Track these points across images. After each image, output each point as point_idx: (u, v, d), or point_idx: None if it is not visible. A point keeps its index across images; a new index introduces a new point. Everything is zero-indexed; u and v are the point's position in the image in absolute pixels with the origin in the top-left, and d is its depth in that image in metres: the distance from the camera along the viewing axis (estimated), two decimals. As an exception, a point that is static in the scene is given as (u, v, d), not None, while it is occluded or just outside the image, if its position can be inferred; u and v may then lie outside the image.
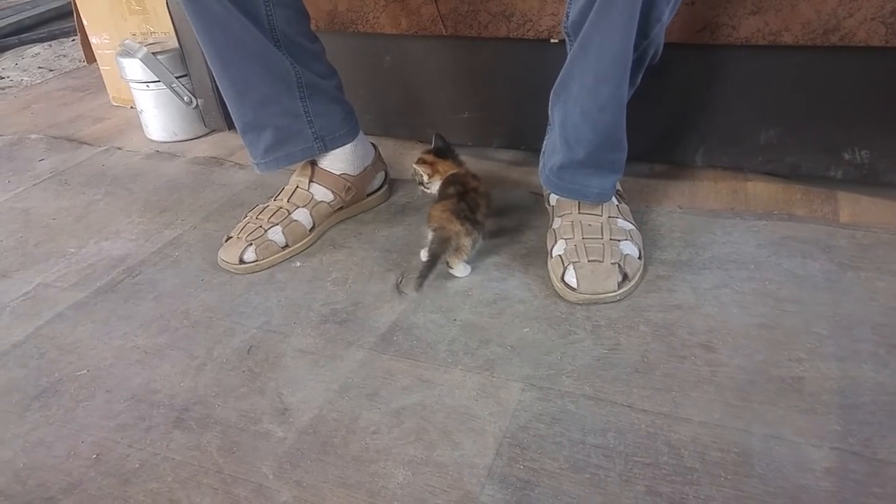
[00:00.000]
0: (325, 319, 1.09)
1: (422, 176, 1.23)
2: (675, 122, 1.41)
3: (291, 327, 1.08)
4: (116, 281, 1.23)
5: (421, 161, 1.23)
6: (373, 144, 1.41)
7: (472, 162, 1.55)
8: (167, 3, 1.67)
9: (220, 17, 1.12)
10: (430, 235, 1.13)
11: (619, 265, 1.09)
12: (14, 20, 3.15)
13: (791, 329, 0.99)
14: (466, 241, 1.11)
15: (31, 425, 0.94)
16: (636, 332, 1.01)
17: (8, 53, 2.90)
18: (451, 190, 1.15)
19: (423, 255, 1.15)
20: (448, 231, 1.09)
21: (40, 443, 0.91)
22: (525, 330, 1.03)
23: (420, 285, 1.08)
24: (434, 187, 1.23)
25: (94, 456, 0.88)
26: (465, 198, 1.13)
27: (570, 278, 1.08)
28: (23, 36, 3.04)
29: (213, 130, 1.85)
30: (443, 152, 1.24)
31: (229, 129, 1.81)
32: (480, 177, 1.22)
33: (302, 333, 1.07)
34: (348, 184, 1.33)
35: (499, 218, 1.32)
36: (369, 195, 1.40)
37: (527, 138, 1.54)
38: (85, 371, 1.02)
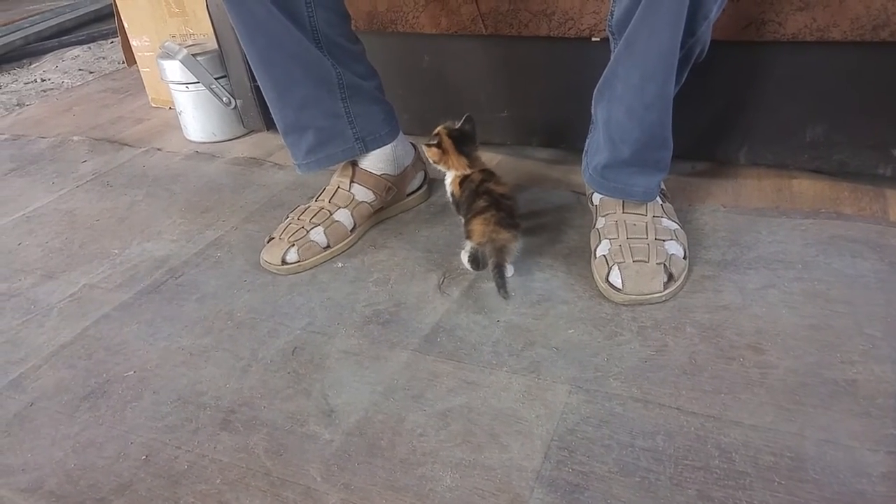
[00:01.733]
0: (368, 320, 1.09)
1: (428, 160, 1.23)
2: (718, 120, 1.39)
3: (335, 328, 1.08)
4: (160, 282, 1.24)
5: (438, 142, 1.20)
6: (412, 144, 1.41)
7: (511, 161, 1.55)
8: (207, 6, 1.68)
9: (263, 20, 1.12)
10: (468, 246, 1.12)
11: (665, 265, 1.07)
12: (54, 23, 3.20)
13: (842, 330, 0.97)
14: (515, 245, 1.11)
15: (80, 426, 0.95)
16: (683, 334, 1.00)
17: (48, 56, 2.95)
18: (482, 203, 1.13)
19: (464, 258, 1.15)
20: (500, 241, 1.09)
21: (90, 443, 0.92)
22: (570, 331, 1.02)
23: (507, 293, 1.07)
24: (439, 169, 1.23)
25: (144, 457, 0.89)
26: (499, 206, 1.12)
27: (616, 279, 1.07)
28: (63, 39, 3.09)
29: (252, 131, 1.86)
30: (463, 139, 1.21)
31: (268, 129, 1.82)
32: (494, 171, 1.21)
33: (346, 334, 1.06)
34: (389, 184, 1.33)
35: (540, 217, 1.32)
36: (409, 195, 1.41)
37: (567, 137, 1.53)
38: (132, 372, 1.03)
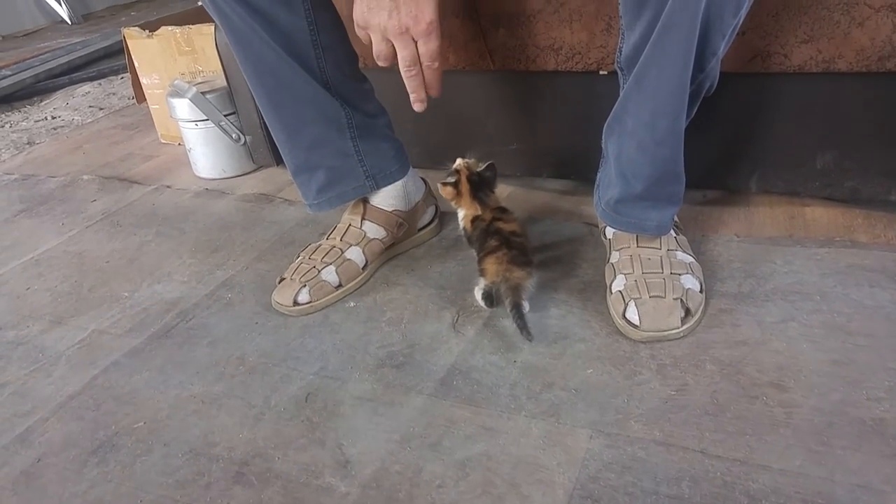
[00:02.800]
0: (381, 363, 1.07)
1: (444, 196, 1.21)
2: (728, 149, 1.38)
3: (348, 372, 1.06)
4: (170, 326, 1.23)
5: (455, 182, 1.19)
6: (423, 179, 1.40)
7: (522, 193, 1.54)
8: (216, 44, 1.68)
9: (271, 62, 1.12)
10: (481, 283, 1.12)
11: (682, 300, 1.06)
12: (64, 60, 3.22)
13: (866, 365, 0.95)
14: (529, 283, 1.09)
15: (89, 483, 0.92)
16: (703, 371, 0.98)
17: (59, 93, 2.96)
18: (493, 242, 1.12)
19: (478, 295, 1.14)
20: (514, 280, 1.07)
21: (99, 502, 0.89)
22: (588, 371, 1.00)
23: (529, 333, 1.04)
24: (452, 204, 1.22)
25: (154, 515, 0.87)
26: (510, 244, 1.11)
27: (632, 315, 1.05)
28: (73, 75, 3.11)
29: (261, 166, 1.86)
30: (481, 184, 1.19)
31: (277, 164, 1.82)
32: (506, 208, 1.20)
33: (359, 379, 1.05)
34: (400, 220, 1.32)
35: (553, 250, 1.30)
36: (420, 230, 1.39)
37: (577, 168, 1.52)
38: (142, 423, 1.01)
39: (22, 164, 2.14)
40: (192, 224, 1.60)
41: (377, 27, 1.01)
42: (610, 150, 1.13)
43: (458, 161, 1.21)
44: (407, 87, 1.07)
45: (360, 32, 1.05)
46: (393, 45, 1.03)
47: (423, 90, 1.07)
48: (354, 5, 1.02)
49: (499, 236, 1.12)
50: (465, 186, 1.19)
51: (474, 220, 1.18)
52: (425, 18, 0.99)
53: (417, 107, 1.09)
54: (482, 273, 1.11)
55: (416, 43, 1.02)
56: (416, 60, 1.03)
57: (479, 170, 1.20)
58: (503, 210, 1.19)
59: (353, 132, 1.22)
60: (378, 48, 1.04)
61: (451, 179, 1.19)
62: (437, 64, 1.04)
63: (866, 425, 0.86)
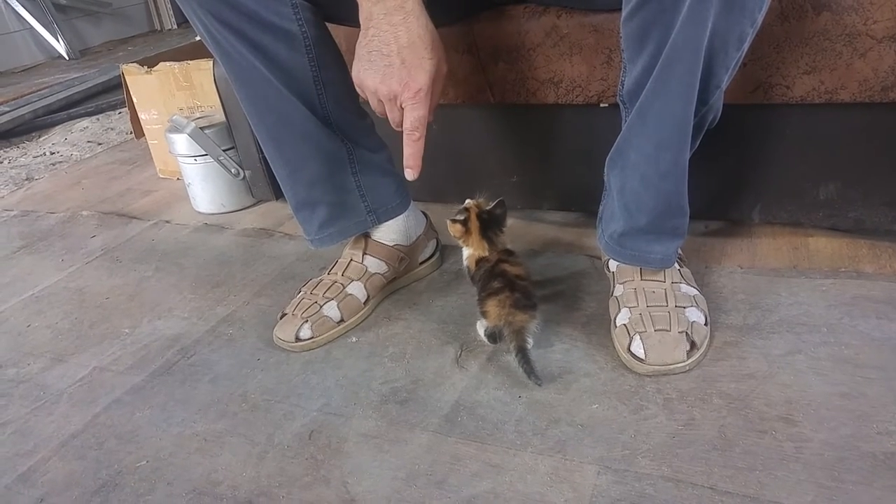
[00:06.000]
0: (385, 399, 1.06)
1: (452, 234, 1.19)
2: (731, 179, 1.38)
3: (352, 409, 1.05)
4: (172, 362, 1.22)
5: (464, 220, 1.17)
6: (423, 213, 1.40)
7: (522, 225, 1.53)
8: (214, 79, 1.69)
9: (273, 100, 1.12)
10: (484, 324, 1.11)
11: (687, 333, 1.05)
12: (63, 96, 3.23)
13: (876, 398, 0.94)
14: (533, 325, 1.07)
15: (91, 525, 0.91)
16: (710, 405, 0.97)
17: (57, 128, 2.97)
18: (496, 283, 1.10)
19: (481, 331, 1.13)
20: (517, 324, 1.06)
21: (102, 545, 0.88)
22: (594, 406, 0.99)
23: (538, 378, 1.03)
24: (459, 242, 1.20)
25: (158, 559, 0.85)
26: (514, 287, 1.09)
27: (638, 349, 1.04)
28: (72, 111, 3.12)
29: (261, 200, 1.86)
30: (491, 222, 1.18)
31: (277, 198, 1.82)
32: (513, 250, 1.18)
33: (363, 415, 1.03)
34: (401, 254, 1.32)
35: (556, 285, 1.30)
36: (421, 263, 1.39)
37: (578, 200, 1.52)
38: (144, 462, 1.00)
39: (21, 200, 2.14)
40: (192, 259, 1.59)
41: (370, 89, 1.02)
42: (613, 183, 1.12)
43: (468, 201, 1.20)
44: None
45: (357, 89, 1.06)
46: None
47: (411, 158, 1.06)
48: (353, 63, 1.03)
49: (503, 278, 1.10)
50: (474, 225, 1.17)
51: (479, 260, 1.16)
52: (414, 86, 0.99)
53: (406, 174, 1.08)
54: (484, 315, 1.10)
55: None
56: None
57: (488, 207, 1.18)
58: (510, 252, 1.17)
59: (354, 168, 1.22)
60: (374, 106, 1.06)
61: (460, 217, 1.17)
62: (417, 134, 1.03)
63: (878, 460, 0.85)
